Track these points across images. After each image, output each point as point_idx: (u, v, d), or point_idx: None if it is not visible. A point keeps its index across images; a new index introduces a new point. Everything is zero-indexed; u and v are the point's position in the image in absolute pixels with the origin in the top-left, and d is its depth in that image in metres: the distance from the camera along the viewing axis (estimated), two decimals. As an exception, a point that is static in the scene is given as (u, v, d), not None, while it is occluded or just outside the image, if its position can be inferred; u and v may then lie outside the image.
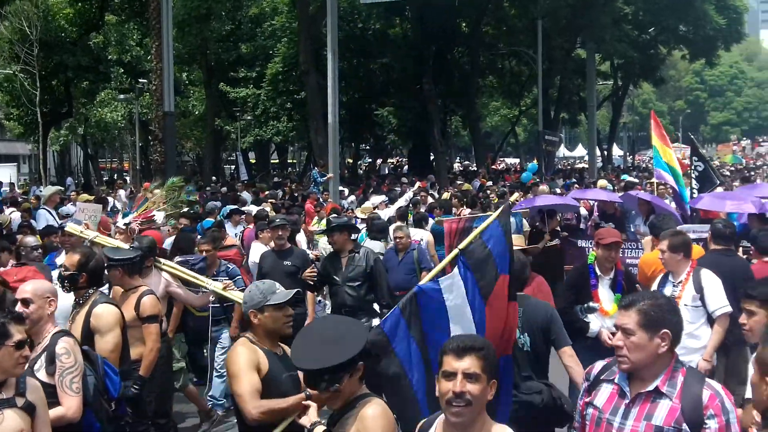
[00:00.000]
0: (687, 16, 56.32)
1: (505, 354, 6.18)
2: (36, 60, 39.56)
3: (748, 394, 5.79)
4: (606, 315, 9.56)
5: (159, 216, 13.63)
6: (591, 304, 9.55)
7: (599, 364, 5.21)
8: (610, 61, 65.55)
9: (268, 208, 21.06)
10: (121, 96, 42.71)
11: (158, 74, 27.25)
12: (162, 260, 10.49)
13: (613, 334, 9.28)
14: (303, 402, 5.80)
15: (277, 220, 13.26)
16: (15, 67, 42.19)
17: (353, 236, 12.42)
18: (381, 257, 13.59)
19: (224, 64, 50.46)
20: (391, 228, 15.57)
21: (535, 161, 45.86)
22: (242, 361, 6.08)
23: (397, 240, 14.38)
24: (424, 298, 6.07)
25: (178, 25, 37.27)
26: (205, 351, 12.35)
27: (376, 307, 11.64)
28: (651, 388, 4.77)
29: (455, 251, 6.20)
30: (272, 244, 13.32)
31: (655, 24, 58.59)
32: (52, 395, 6.17)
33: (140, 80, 41.26)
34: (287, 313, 6.28)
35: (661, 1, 54.47)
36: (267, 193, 29.29)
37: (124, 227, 12.97)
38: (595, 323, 9.53)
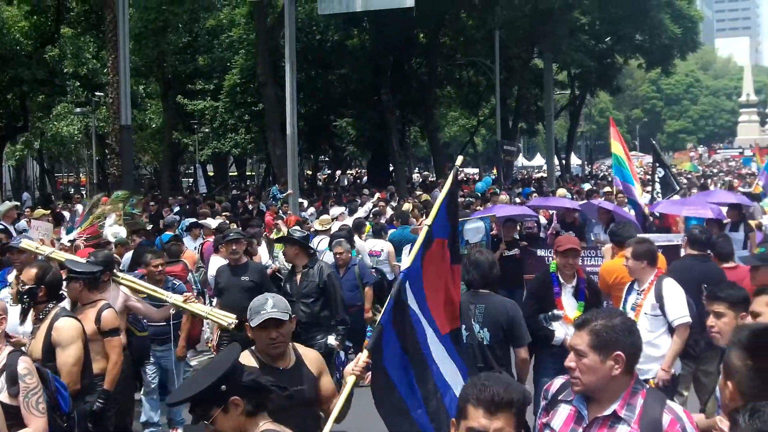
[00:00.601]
0: (643, 26, 56.99)
1: (453, 327, 6.08)
2: (-9, 74, 39.26)
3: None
4: (570, 322, 9.50)
5: (109, 232, 13.35)
6: (555, 311, 9.50)
7: (557, 382, 4.91)
8: (567, 71, 66.07)
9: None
10: (78, 109, 42.50)
11: (115, 87, 27.05)
12: (120, 274, 10.38)
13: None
14: None
15: (232, 234, 12.84)
16: (-31, 82, 41.80)
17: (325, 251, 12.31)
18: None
19: (181, 77, 50.21)
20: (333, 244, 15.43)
21: (493, 171, 46.08)
22: None
23: (337, 256, 13.92)
24: (404, 277, 5.95)
25: (135, 37, 37.08)
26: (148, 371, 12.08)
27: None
28: (608, 412, 4.53)
29: (425, 227, 6.08)
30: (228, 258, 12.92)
31: (612, 34, 59.19)
32: (14, 416, 6.07)
33: (97, 93, 41.06)
34: (270, 335, 6.12)
35: (618, 11, 54.98)
36: (222, 206, 29.17)
37: (68, 244, 12.79)
38: (560, 331, 9.49)
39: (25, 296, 7.73)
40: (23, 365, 6.31)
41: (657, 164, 20.30)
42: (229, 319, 9.52)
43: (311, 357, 6.48)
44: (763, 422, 3.30)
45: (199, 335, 12.65)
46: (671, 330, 9.12)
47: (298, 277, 11.64)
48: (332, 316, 11.38)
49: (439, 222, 6.05)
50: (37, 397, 6.30)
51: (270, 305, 6.15)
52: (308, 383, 6.28)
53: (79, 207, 33.23)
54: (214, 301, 12.93)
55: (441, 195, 6.24)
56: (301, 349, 6.49)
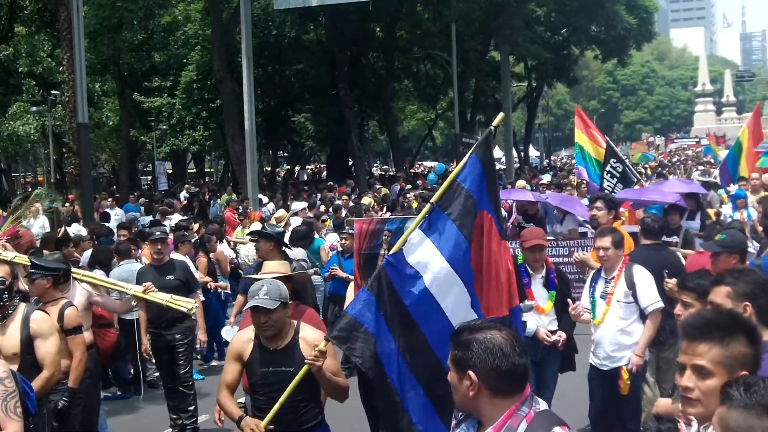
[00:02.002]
0: (598, 17, 57.32)
1: (512, 306, 6.10)
2: (-56, 73, 38.85)
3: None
4: (542, 312, 9.64)
5: (36, 225, 13.05)
6: (527, 302, 9.39)
7: None
8: (524, 63, 66.31)
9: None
10: (34, 108, 42.05)
11: (71, 85, 26.87)
12: (80, 271, 10.37)
13: (552, 332, 9.41)
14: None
15: (156, 233, 12.53)
16: (-77, 81, 41.34)
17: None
18: (303, 264, 13.39)
19: (138, 74, 49.90)
20: None
21: (453, 164, 46.10)
22: (229, 351, 7.08)
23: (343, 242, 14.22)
24: (392, 270, 5.99)
25: (90, 35, 36.79)
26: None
27: None
28: None
29: (428, 205, 6.10)
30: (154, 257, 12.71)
31: (568, 25, 59.49)
32: None
33: (53, 92, 40.69)
34: (259, 320, 6.60)
35: (573, 2, 55.28)
36: (164, 201, 29.05)
37: None
38: (532, 322, 9.50)
39: (4, 293, 7.69)
40: (1, 369, 6.30)
41: (614, 159, 20.37)
42: (188, 305, 9.57)
43: (310, 340, 6.71)
44: (761, 396, 3.17)
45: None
46: (643, 317, 9.22)
47: None
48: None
49: (476, 187, 6.01)
50: (15, 401, 6.26)
51: (263, 292, 6.59)
52: (297, 363, 6.54)
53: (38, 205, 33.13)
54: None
55: (455, 170, 6.22)
56: (304, 331, 6.84)
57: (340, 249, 14.62)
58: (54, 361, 7.67)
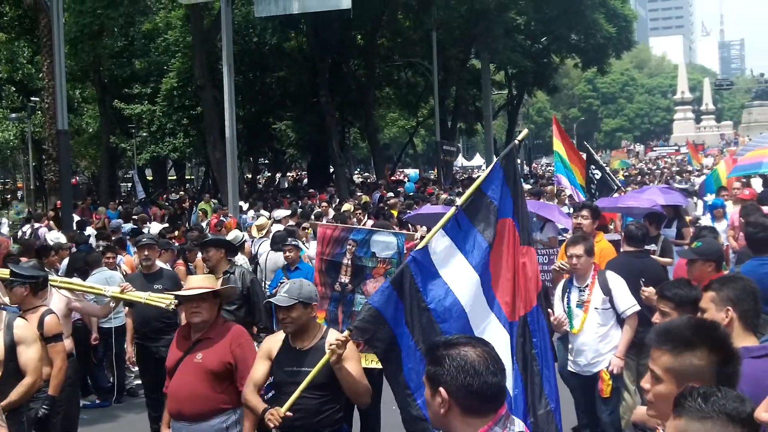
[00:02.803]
0: (578, 26, 57.50)
1: (528, 309, 6.11)
2: (-77, 80, 38.72)
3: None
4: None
5: None
6: None
7: None
8: (504, 71, 66.44)
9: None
10: (13, 115, 42.02)
11: (51, 92, 26.88)
12: (57, 278, 10.34)
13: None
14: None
15: (144, 240, 12.39)
16: None
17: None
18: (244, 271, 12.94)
19: (118, 81, 49.80)
20: None
21: (433, 172, 46.23)
22: (260, 350, 7.30)
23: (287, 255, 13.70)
24: (416, 267, 6.04)
25: (70, 42, 36.74)
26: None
27: None
28: None
29: (453, 209, 6.17)
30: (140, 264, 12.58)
31: (547, 34, 59.73)
32: None
33: (32, 98, 40.69)
34: (279, 316, 6.96)
35: (552, 11, 55.48)
36: (134, 210, 29.02)
37: None
38: None
39: None
40: None
41: (592, 166, 20.52)
42: (166, 300, 9.58)
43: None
44: (722, 405, 3.14)
45: None
46: (620, 322, 9.33)
47: (219, 282, 10.99)
48: (254, 323, 11.08)
49: (498, 195, 6.11)
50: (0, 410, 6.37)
51: (283, 290, 6.94)
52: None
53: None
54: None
55: (481, 177, 6.32)
56: (331, 334, 6.99)
57: (284, 263, 13.92)
58: (36, 368, 7.68)
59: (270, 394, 7.06)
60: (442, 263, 6.04)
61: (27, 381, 7.48)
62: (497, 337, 5.92)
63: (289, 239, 14.32)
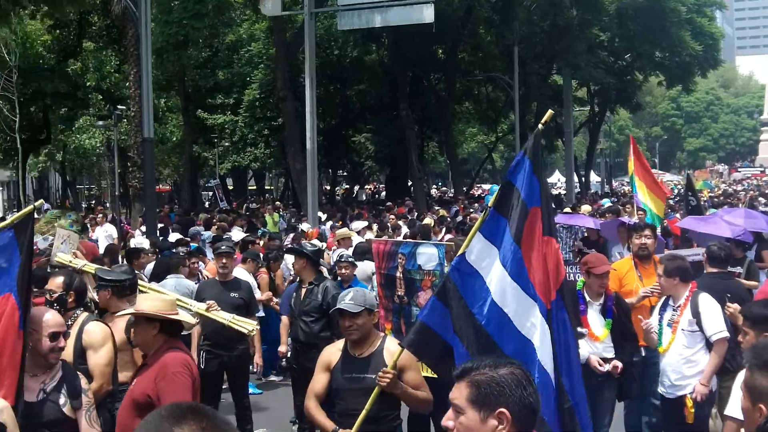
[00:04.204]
0: (662, 43, 56.79)
1: (550, 300, 6.05)
2: (15, 87, 39.52)
3: (729, 410, 5.88)
4: (596, 340, 9.53)
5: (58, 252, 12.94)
6: (579, 329, 9.19)
7: None
8: (586, 87, 65.93)
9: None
10: (100, 122, 42.65)
11: (136, 101, 27.29)
12: (146, 284, 10.45)
13: (604, 360, 9.33)
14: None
15: (223, 247, 12.26)
16: (-7, 94, 42.13)
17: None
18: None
19: (201, 91, 50.45)
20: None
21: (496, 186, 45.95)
22: (319, 361, 7.35)
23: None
24: (456, 275, 6.04)
25: (156, 52, 37.31)
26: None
27: None
28: None
29: (487, 210, 6.20)
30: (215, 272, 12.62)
31: (631, 50, 59.03)
32: (70, 429, 6.26)
33: (119, 107, 41.32)
34: (344, 324, 7.04)
35: (636, 27, 54.93)
36: (217, 217, 29.32)
37: None
38: (585, 349, 9.31)
39: (54, 304, 7.81)
40: (83, 380, 6.52)
41: (690, 193, 20.74)
42: (249, 326, 9.60)
43: (391, 350, 6.95)
44: None
45: None
46: (708, 346, 9.08)
47: (303, 292, 11.30)
48: (332, 339, 10.34)
49: (525, 184, 6.07)
50: (96, 412, 6.55)
51: (349, 297, 7.03)
52: (378, 372, 6.80)
53: (109, 227, 33.73)
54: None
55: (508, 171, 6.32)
56: (389, 342, 7.14)
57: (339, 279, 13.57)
58: (103, 373, 7.73)
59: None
60: (480, 265, 6.01)
61: (93, 386, 7.47)
62: (544, 328, 5.91)
63: (345, 255, 14.18)
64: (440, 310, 5.97)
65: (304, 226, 26.70)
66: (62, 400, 6.26)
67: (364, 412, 6.64)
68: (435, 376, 7.43)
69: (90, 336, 7.82)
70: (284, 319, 12.45)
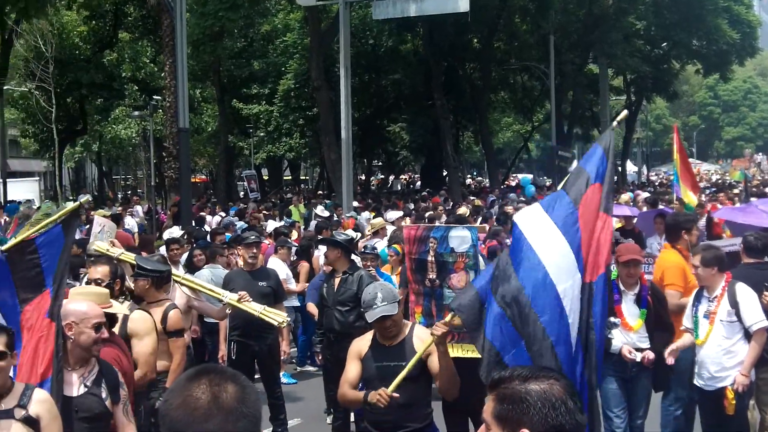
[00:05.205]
0: (699, 31, 56.20)
1: (594, 277, 6.02)
2: (51, 77, 39.76)
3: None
4: (630, 330, 9.37)
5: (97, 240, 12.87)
6: (612, 319, 9.07)
7: None
8: (622, 77, 65.47)
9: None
10: (135, 113, 42.84)
11: (172, 91, 27.36)
12: (179, 274, 10.48)
13: (638, 349, 9.22)
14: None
15: (252, 237, 12.38)
16: (30, 85, 42.36)
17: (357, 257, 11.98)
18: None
19: (237, 81, 50.61)
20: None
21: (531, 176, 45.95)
22: (350, 352, 7.47)
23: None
24: (512, 245, 6.11)
25: (192, 43, 37.42)
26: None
27: None
28: None
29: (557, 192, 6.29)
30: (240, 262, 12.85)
31: (668, 39, 58.45)
32: (107, 423, 6.28)
33: (154, 97, 41.53)
34: (384, 326, 7.10)
35: (673, 16, 54.43)
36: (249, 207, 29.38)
37: None
38: (618, 339, 9.27)
39: None
40: (119, 374, 6.52)
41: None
42: (279, 318, 9.61)
43: (421, 337, 7.08)
44: None
45: None
46: (747, 336, 9.01)
47: (336, 281, 11.23)
48: (367, 328, 10.87)
49: (593, 166, 6.19)
50: (131, 405, 6.56)
51: (380, 299, 7.03)
52: (410, 360, 6.91)
53: (139, 208, 33.85)
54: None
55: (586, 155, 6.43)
56: (417, 329, 7.29)
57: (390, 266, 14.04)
58: (147, 361, 7.83)
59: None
60: (531, 231, 6.01)
61: (137, 374, 7.57)
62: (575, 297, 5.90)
63: (369, 246, 14.21)
64: (489, 276, 6.04)
65: (318, 210, 26.84)
66: (104, 393, 6.25)
67: (403, 372, 6.74)
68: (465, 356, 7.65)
69: (135, 324, 7.90)
70: (311, 305, 12.70)
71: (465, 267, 8.99)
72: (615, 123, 6.66)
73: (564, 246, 5.93)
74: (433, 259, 9.19)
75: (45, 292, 6.32)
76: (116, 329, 7.61)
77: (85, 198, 8.28)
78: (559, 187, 6.36)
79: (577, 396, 3.23)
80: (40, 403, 5.53)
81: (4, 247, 6.68)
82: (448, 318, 6.60)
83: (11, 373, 5.65)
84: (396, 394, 6.69)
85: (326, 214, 27.11)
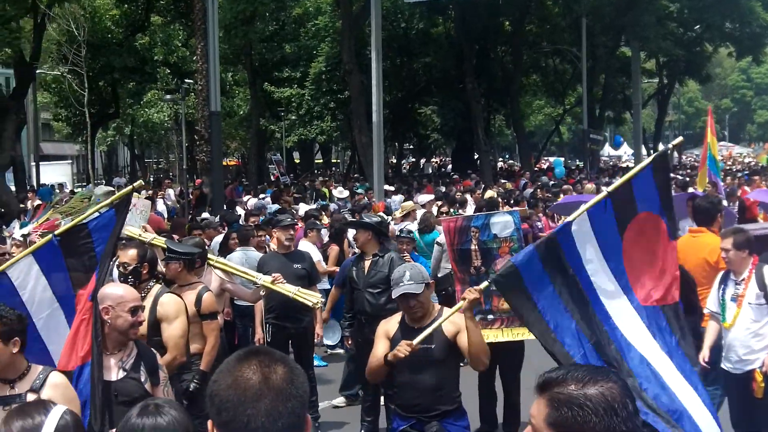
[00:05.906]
0: (732, 14, 55.67)
1: (663, 303, 6.15)
2: (83, 61, 39.97)
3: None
4: None
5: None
6: None
7: None
8: (655, 59, 65.03)
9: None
10: (167, 96, 43.02)
11: (204, 75, 27.49)
12: (213, 257, 10.52)
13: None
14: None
15: (288, 220, 12.28)
16: (63, 69, 42.61)
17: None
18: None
19: (268, 65, 50.77)
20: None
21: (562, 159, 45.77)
22: (378, 331, 7.46)
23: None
24: (562, 237, 6.18)
25: (224, 26, 37.54)
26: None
27: None
28: None
29: (603, 194, 6.34)
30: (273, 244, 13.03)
31: (701, 22, 57.94)
32: None
33: (186, 81, 41.68)
34: (408, 305, 7.10)
35: (706, -2, 54.01)
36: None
37: (21, 239, 12.30)
38: None
39: (129, 276, 7.91)
40: (158, 356, 6.60)
41: None
42: (314, 298, 9.65)
43: (451, 318, 6.96)
44: None
45: None
46: None
47: (366, 264, 11.14)
48: (397, 310, 10.53)
49: (642, 195, 6.24)
50: (170, 387, 6.62)
51: (407, 277, 7.02)
52: (438, 342, 6.99)
53: (171, 191, 34.04)
54: None
55: (632, 171, 6.46)
56: (446, 312, 7.10)
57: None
58: (176, 345, 7.86)
59: None
60: (582, 244, 6.12)
61: (167, 357, 7.59)
62: (631, 318, 6.04)
63: (406, 229, 14.42)
64: (535, 260, 6.06)
65: (336, 192, 26.95)
66: (143, 377, 6.30)
67: (431, 328, 6.78)
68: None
69: (164, 308, 7.93)
70: (334, 290, 12.61)
71: (510, 251, 9.10)
72: (671, 145, 6.78)
73: (609, 275, 6.12)
74: (477, 247, 9.25)
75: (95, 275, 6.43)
76: (146, 314, 7.70)
77: (138, 182, 8.31)
78: (611, 189, 6.43)
79: (633, 397, 2.93)
80: (54, 386, 5.51)
81: (57, 231, 6.76)
82: (483, 286, 6.62)
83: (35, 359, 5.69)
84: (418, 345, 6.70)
85: (344, 195, 27.26)
